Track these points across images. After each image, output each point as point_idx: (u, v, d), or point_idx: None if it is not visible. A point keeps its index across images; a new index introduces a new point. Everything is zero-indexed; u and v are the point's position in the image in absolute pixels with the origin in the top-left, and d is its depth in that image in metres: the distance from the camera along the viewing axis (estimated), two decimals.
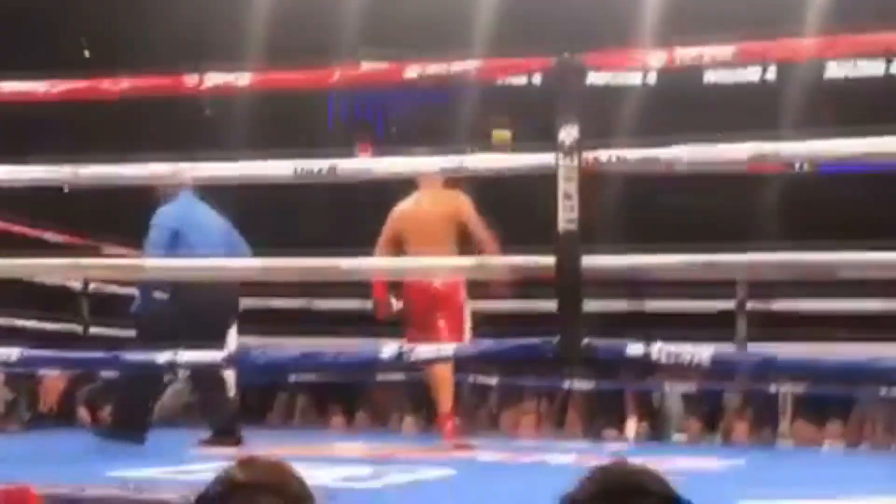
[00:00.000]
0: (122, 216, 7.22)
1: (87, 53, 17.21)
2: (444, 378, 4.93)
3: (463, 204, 5.21)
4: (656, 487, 1.50)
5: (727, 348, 6.14)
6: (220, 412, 4.84)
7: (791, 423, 6.94)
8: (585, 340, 3.16)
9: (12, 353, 3.58)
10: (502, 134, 18.94)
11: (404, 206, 5.24)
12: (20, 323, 6.10)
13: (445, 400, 5.03)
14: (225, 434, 4.67)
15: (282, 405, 7.72)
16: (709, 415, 7.17)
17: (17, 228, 6.22)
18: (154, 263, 4.05)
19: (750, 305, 6.86)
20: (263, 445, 5.27)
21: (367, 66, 3.57)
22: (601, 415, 7.22)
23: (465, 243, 5.16)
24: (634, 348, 3.09)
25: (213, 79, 3.59)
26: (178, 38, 16.20)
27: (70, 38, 17.20)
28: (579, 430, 7.22)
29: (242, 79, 3.55)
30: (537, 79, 20.26)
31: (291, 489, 1.50)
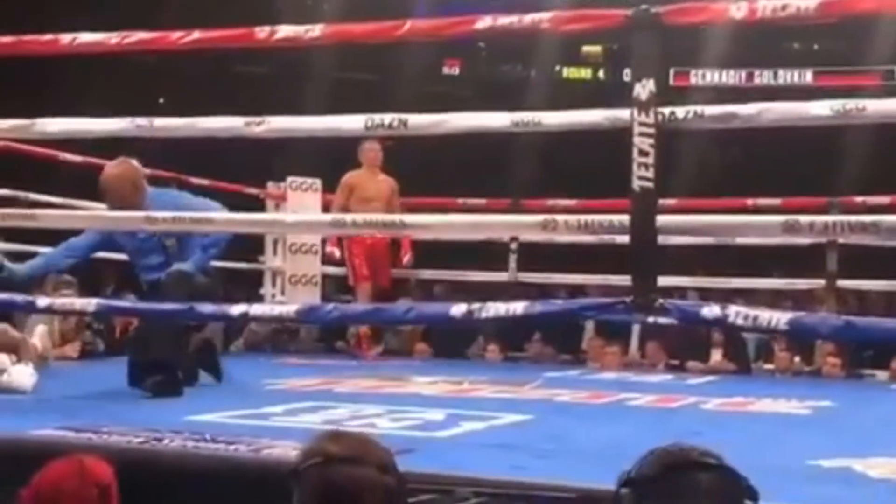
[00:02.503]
0: None
1: None
2: None
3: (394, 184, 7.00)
4: (714, 466, 1.48)
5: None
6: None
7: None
8: (659, 301, 3.11)
9: (91, 302, 3.64)
10: (593, 49, 18.75)
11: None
12: None
13: None
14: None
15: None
16: (798, 347, 7.05)
17: None
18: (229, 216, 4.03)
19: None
20: (349, 377, 5.36)
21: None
22: (685, 347, 7.16)
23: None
24: (711, 310, 3.01)
25: (284, 31, 3.58)
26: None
27: None
28: (663, 361, 7.21)
29: (313, 31, 3.52)
30: None
31: (379, 459, 1.63)
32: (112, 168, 4.44)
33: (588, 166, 13.05)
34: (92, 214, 4.18)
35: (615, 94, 18.51)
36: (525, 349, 7.89)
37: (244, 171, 8.28)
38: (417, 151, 8.47)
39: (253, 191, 7.78)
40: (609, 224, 3.18)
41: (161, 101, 18.09)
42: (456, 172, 13.45)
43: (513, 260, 7.45)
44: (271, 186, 7.83)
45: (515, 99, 17.40)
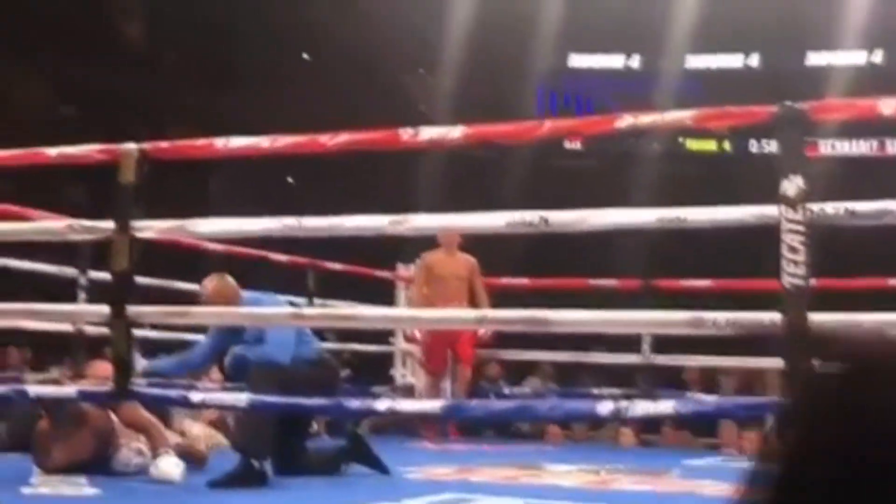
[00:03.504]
0: None
1: (305, 56, 18.17)
2: None
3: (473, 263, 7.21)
4: None
5: None
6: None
7: None
8: None
9: (241, 398, 3.74)
10: None
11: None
12: None
13: None
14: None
15: None
16: None
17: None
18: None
19: None
20: (483, 465, 5.34)
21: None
22: None
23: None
24: None
25: (427, 132, 3.66)
26: (386, 43, 16.56)
27: (291, 48, 18.08)
28: None
29: (455, 132, 3.60)
30: (754, 61, 19.79)
31: None
32: (209, 284, 4.66)
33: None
34: (242, 311, 4.30)
35: (740, 166, 18.37)
36: (659, 432, 7.77)
37: (375, 253, 8.43)
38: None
39: (384, 274, 7.91)
40: (760, 323, 3.14)
41: (289, 179, 18.61)
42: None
43: (646, 342, 7.36)
44: (401, 269, 7.96)
45: (639, 172, 17.41)
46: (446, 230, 6.98)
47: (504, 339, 7.65)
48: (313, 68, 19.44)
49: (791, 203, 3.08)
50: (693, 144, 18.36)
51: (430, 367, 7.39)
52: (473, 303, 7.15)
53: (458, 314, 4.44)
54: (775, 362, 6.91)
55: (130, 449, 4.59)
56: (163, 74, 19.24)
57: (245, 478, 4.27)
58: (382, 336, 7.85)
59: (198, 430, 4.92)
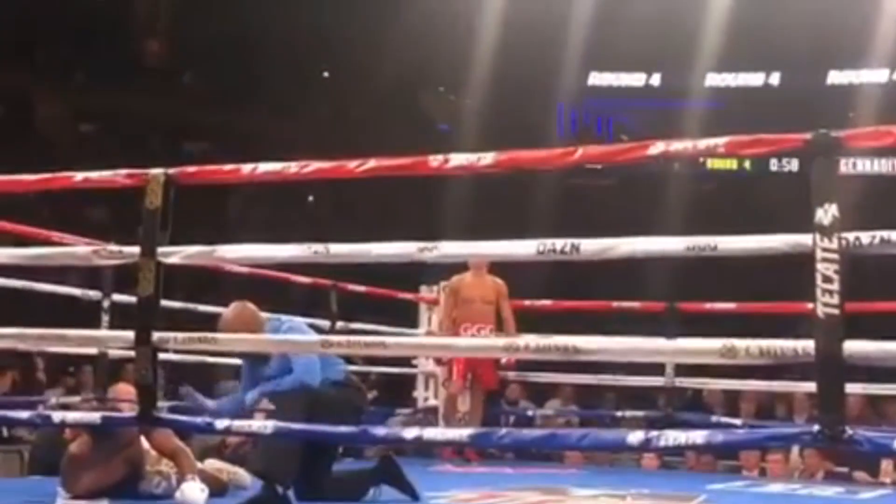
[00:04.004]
0: None
1: (325, 74, 18.33)
2: None
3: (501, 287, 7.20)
4: None
5: None
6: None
7: None
8: (848, 431, 3.00)
9: (267, 425, 3.71)
10: None
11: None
12: None
13: None
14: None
15: None
16: None
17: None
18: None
19: None
20: (508, 488, 5.31)
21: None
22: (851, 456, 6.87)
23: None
24: None
25: (457, 159, 3.64)
26: (406, 61, 16.61)
27: (311, 65, 18.15)
28: (822, 469, 6.94)
29: (486, 159, 3.57)
30: (775, 79, 19.79)
31: None
32: (230, 312, 4.62)
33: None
34: (270, 339, 4.28)
35: (761, 185, 18.29)
36: (682, 455, 7.71)
37: (396, 274, 8.41)
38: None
39: (407, 295, 7.89)
40: (793, 351, 3.10)
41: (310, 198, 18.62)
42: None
43: (670, 365, 7.30)
44: (424, 290, 7.93)
45: (660, 190, 17.36)
46: (475, 257, 6.96)
47: (526, 361, 7.61)
48: (332, 86, 19.45)
49: (826, 232, 3.05)
50: (714, 163, 18.32)
51: (449, 387, 7.36)
52: (500, 326, 7.13)
53: (487, 342, 4.42)
54: (801, 386, 6.92)
55: (158, 474, 4.58)
56: (182, 92, 19.33)
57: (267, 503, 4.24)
58: (405, 358, 7.83)
59: (216, 463, 4.90)
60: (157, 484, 4.61)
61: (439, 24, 16.76)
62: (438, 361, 7.57)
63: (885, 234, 3.10)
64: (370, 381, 8.36)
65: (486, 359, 7.11)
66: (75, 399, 6.61)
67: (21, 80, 16.60)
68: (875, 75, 17.73)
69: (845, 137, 3.11)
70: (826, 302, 3.02)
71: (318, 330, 5.99)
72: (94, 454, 4.46)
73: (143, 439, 4.60)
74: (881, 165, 17.19)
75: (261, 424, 3.76)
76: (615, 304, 7.49)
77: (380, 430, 3.66)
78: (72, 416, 4.11)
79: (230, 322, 4.56)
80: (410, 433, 3.58)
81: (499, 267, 7.19)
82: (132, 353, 3.82)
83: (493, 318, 7.13)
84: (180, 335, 3.90)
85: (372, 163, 3.65)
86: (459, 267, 7.17)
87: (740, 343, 3.23)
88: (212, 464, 5.03)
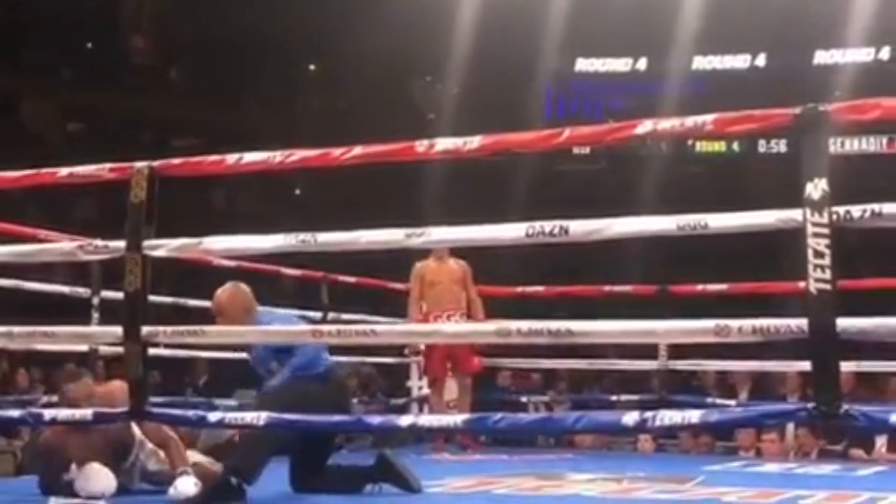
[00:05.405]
0: None
1: (311, 67, 18.29)
2: None
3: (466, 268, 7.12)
4: None
5: None
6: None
7: None
8: (844, 407, 2.99)
9: (261, 416, 3.68)
10: None
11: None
12: None
13: None
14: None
15: None
16: None
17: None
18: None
19: None
20: (505, 475, 5.29)
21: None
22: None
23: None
24: None
25: (443, 143, 3.61)
26: (391, 51, 16.57)
27: (297, 58, 18.06)
28: (815, 447, 6.94)
29: (472, 143, 3.54)
30: (761, 61, 19.87)
31: None
32: (223, 293, 4.58)
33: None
34: (258, 330, 4.25)
35: (750, 166, 18.28)
36: (677, 437, 7.70)
37: (384, 263, 8.37)
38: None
39: (398, 286, 7.85)
40: (786, 329, 3.08)
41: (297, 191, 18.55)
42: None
43: (663, 347, 7.27)
44: None
45: (648, 174, 17.34)
46: (464, 243, 6.89)
47: (513, 346, 7.56)
48: (319, 78, 19.38)
49: (816, 207, 3.02)
50: (703, 146, 18.31)
51: (429, 375, 7.29)
52: (469, 309, 7.06)
53: (479, 328, 4.38)
54: (794, 365, 6.90)
55: (153, 454, 4.57)
56: (170, 88, 19.25)
57: (220, 492, 4.20)
58: (399, 347, 7.80)
59: (198, 459, 4.86)
60: (148, 454, 4.58)
61: (426, 12, 16.70)
62: (417, 352, 7.50)
63: (875, 206, 3.08)
64: (364, 371, 8.34)
65: (463, 344, 7.02)
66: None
67: (8, 79, 16.51)
68: (860, 54, 17.74)
69: (833, 111, 3.08)
70: (818, 277, 3.00)
71: (310, 322, 5.95)
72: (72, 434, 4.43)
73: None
74: (869, 144, 17.20)
75: (254, 416, 3.73)
76: (606, 287, 7.46)
77: (374, 419, 3.63)
78: (63, 413, 4.08)
79: (225, 305, 4.51)
80: (406, 421, 3.57)
81: (483, 251, 7.13)
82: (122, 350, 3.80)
83: (462, 300, 7.05)
84: (169, 328, 3.88)
85: (358, 150, 3.63)
86: (422, 254, 7.09)
87: (733, 322, 3.21)
88: (193, 456, 5.00)
